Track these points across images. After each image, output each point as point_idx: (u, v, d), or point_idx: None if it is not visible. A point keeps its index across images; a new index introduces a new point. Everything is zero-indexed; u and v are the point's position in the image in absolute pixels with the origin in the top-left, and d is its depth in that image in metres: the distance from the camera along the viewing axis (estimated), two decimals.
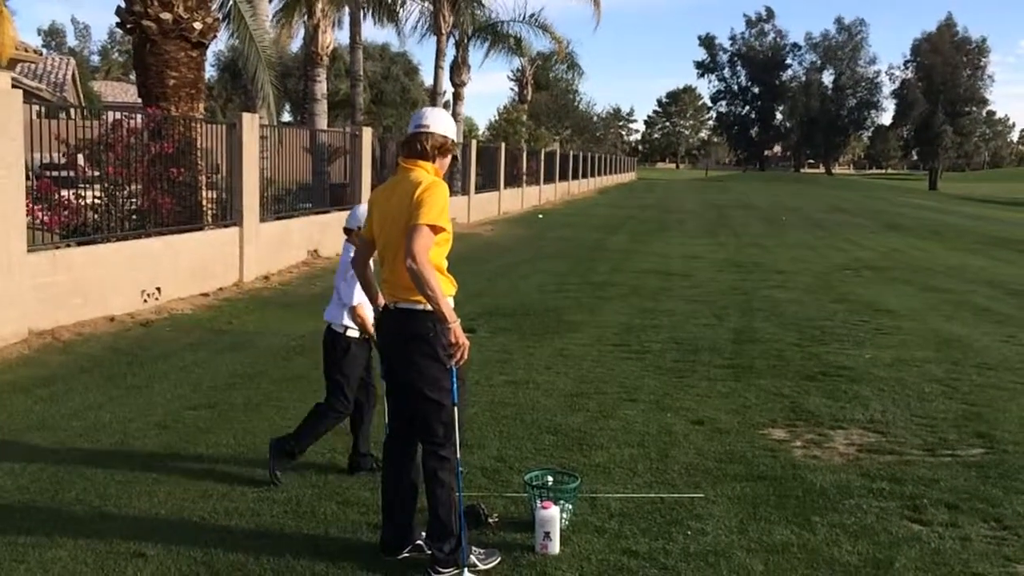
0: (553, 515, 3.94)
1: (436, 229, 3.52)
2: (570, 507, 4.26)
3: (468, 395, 4.51)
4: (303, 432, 4.74)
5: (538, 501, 4.08)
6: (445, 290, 3.62)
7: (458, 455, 3.68)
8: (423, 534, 3.87)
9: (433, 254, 3.56)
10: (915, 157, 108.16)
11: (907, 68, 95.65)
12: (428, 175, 3.65)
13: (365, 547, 3.96)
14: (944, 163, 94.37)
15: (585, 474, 4.85)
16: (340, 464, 5.00)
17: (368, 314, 4.49)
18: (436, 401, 3.61)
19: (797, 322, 9.92)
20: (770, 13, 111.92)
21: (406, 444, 3.82)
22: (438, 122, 3.73)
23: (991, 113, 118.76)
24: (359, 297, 4.53)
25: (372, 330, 4.43)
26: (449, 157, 3.79)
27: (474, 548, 3.77)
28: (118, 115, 9.99)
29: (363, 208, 4.60)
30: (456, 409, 3.65)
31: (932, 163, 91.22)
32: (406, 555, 3.85)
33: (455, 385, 3.62)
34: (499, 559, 3.81)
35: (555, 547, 3.94)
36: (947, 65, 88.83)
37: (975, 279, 14.70)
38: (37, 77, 28.79)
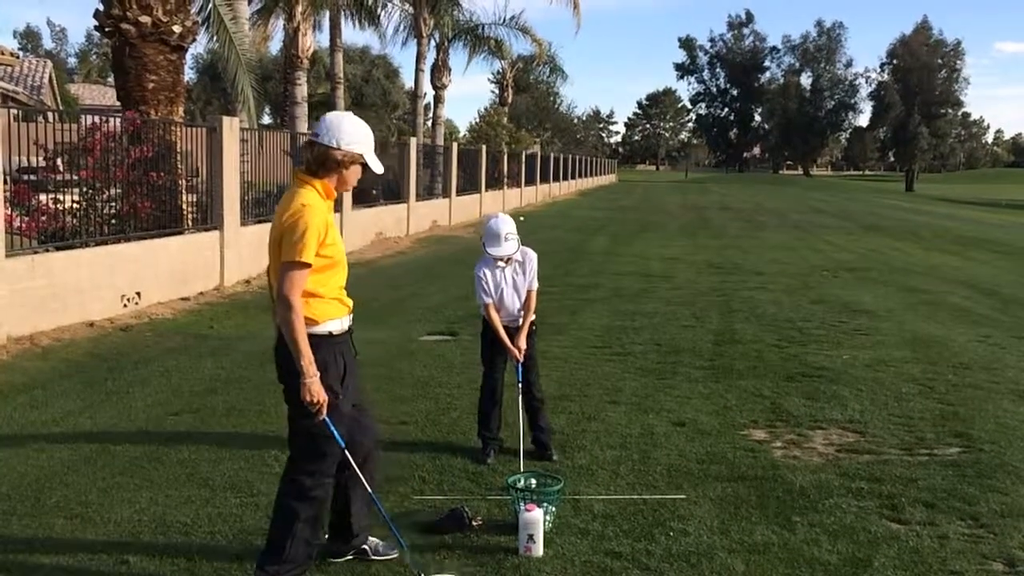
0: (537, 517, 3.97)
1: (301, 265, 3.27)
2: (553, 509, 4.28)
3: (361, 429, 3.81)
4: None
5: (522, 503, 4.11)
6: (332, 313, 3.43)
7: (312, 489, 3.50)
8: (370, 539, 3.86)
9: (311, 282, 3.34)
10: (892, 159, 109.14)
11: (883, 70, 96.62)
12: (308, 193, 3.36)
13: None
14: (920, 165, 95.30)
15: (568, 476, 4.88)
16: None
17: (494, 314, 5.18)
18: (295, 422, 3.49)
19: (776, 323, 10.01)
20: (749, 17, 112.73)
21: None
22: (325, 130, 3.39)
23: (966, 115, 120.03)
24: (485, 299, 5.18)
25: (499, 328, 5.16)
26: (348, 171, 3.43)
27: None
28: (95, 118, 9.93)
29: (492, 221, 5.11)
30: (319, 437, 3.46)
31: (909, 165, 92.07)
32: (349, 558, 3.84)
33: (334, 429, 3.43)
34: None
35: (539, 549, 3.96)
36: (923, 68, 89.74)
37: (951, 279, 14.88)
38: (13, 80, 28.52)
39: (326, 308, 3.42)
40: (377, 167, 3.50)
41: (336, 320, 3.46)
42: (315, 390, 3.31)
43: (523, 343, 5.24)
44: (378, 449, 3.96)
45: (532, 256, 5.29)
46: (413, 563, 3.68)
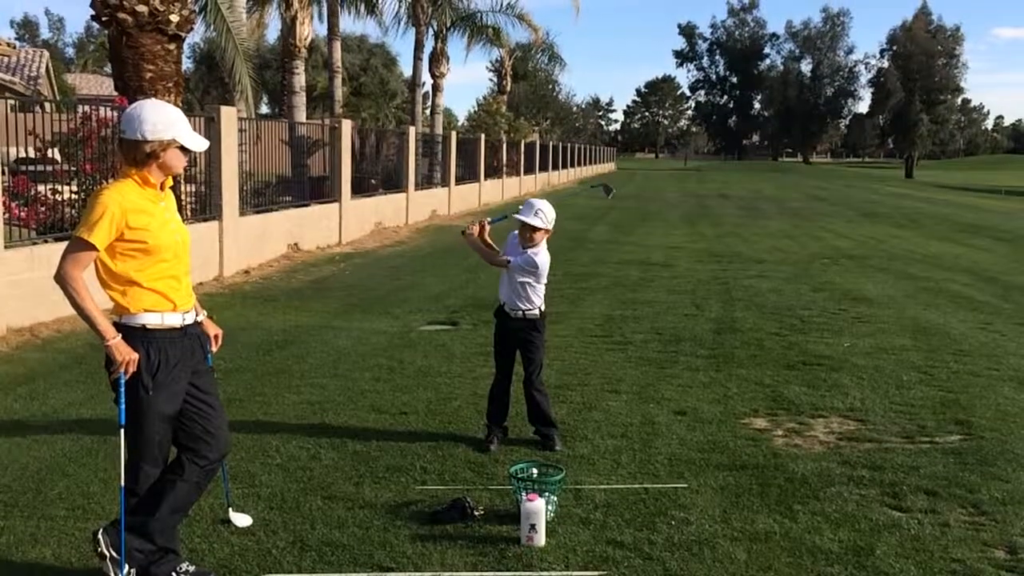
0: (538, 507, 3.97)
1: (84, 243, 3.23)
2: (555, 499, 4.28)
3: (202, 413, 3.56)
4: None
5: (523, 493, 4.11)
6: (149, 305, 3.32)
7: (123, 481, 3.40)
8: (181, 566, 3.52)
9: (125, 268, 3.30)
10: (891, 145, 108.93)
11: (883, 57, 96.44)
12: (119, 181, 3.35)
13: (352, 542, 3.97)
14: (920, 151, 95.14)
15: (569, 466, 4.88)
16: (325, 459, 5.00)
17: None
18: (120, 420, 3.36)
19: (777, 311, 10.00)
20: (753, 3, 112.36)
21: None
22: (128, 124, 3.31)
23: (966, 101, 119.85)
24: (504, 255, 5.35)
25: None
26: (164, 157, 3.33)
27: (183, 566, 3.52)
28: (87, 108, 9.88)
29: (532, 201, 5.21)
30: (130, 432, 3.37)
31: (908, 151, 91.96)
32: None
33: (123, 403, 3.33)
34: None
35: (541, 539, 3.96)
36: (923, 54, 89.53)
37: (952, 267, 14.87)
38: (10, 70, 28.43)
39: (142, 298, 3.32)
40: (196, 145, 3.41)
41: (155, 314, 3.34)
42: (121, 348, 3.25)
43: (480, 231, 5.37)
44: (222, 464, 3.78)
45: (541, 256, 5.21)
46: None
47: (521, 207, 5.23)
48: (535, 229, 5.18)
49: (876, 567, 3.83)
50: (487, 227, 5.43)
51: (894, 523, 4.30)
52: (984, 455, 5.26)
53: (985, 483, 4.81)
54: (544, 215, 5.17)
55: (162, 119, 3.32)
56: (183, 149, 3.39)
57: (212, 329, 3.71)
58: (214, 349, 3.71)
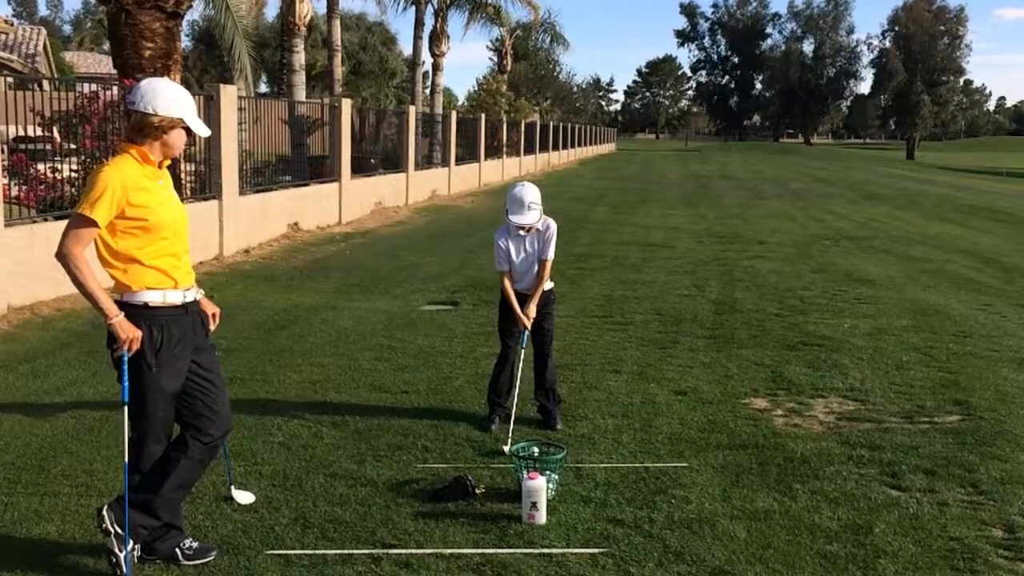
0: (539, 485, 3.99)
1: (85, 220, 3.21)
2: (556, 477, 4.31)
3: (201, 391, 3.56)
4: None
5: (524, 472, 4.13)
6: (150, 282, 3.32)
7: (127, 458, 3.43)
8: (184, 541, 3.56)
9: (127, 246, 3.29)
10: (893, 127, 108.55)
11: (885, 37, 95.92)
12: (118, 158, 3.33)
13: (354, 519, 3.99)
14: (921, 133, 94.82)
15: (570, 445, 4.90)
16: (326, 437, 5.02)
17: (507, 283, 5.26)
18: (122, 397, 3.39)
19: (777, 292, 10.01)
20: None
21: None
22: (140, 97, 3.29)
23: (968, 82, 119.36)
24: (502, 266, 5.24)
25: (511, 297, 5.23)
26: (169, 135, 3.34)
27: (187, 542, 3.55)
28: (94, 87, 9.84)
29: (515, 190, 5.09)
30: (133, 410, 3.39)
31: (910, 133, 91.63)
32: (156, 560, 3.54)
33: (126, 381, 3.34)
34: (212, 556, 3.58)
35: (542, 517, 3.99)
36: (925, 34, 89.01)
37: (953, 248, 14.87)
38: (8, 48, 28.29)
39: (143, 276, 3.32)
40: (201, 130, 3.42)
41: (157, 291, 3.34)
42: (124, 326, 3.25)
43: (532, 312, 5.23)
44: (223, 443, 3.76)
45: (552, 227, 5.23)
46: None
47: (508, 207, 5.11)
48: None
49: (875, 545, 3.86)
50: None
51: (893, 502, 4.32)
52: (983, 435, 5.28)
53: (983, 463, 4.83)
54: (536, 204, 5.10)
55: (174, 97, 3.33)
56: (187, 132, 3.40)
57: (209, 308, 3.71)
58: (211, 328, 3.71)
